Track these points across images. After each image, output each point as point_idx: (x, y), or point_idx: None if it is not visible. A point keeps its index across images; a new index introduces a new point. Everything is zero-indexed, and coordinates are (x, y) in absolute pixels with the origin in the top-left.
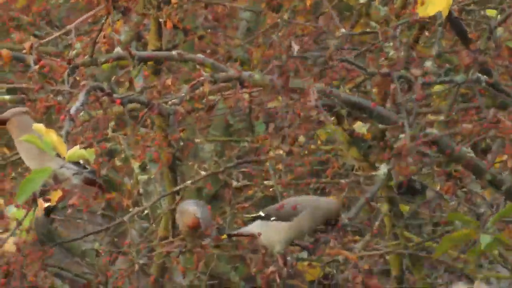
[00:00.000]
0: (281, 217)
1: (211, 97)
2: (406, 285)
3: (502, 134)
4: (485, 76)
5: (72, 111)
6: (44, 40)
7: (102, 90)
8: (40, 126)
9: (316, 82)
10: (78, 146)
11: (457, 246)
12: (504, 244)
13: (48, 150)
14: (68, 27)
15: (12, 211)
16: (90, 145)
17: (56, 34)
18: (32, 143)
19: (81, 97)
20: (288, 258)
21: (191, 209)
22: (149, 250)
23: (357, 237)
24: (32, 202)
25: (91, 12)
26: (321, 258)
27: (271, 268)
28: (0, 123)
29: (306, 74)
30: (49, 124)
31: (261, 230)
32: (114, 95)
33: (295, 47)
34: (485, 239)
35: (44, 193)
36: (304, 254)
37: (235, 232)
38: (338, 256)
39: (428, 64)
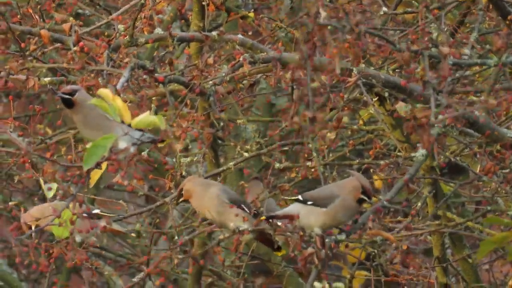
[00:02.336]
0: (318, 203)
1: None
2: (447, 265)
3: None
4: None
5: (119, 86)
6: (88, 29)
7: (144, 68)
8: (106, 91)
9: (342, 54)
10: (148, 113)
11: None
12: None
13: (114, 115)
14: (110, 17)
15: (52, 186)
16: None
17: (100, 23)
18: (100, 107)
19: (125, 73)
20: (327, 240)
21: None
22: (190, 231)
23: (399, 218)
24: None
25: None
26: (360, 240)
27: (309, 250)
28: (67, 104)
29: (333, 44)
30: None
31: (299, 212)
32: (156, 74)
33: (323, 14)
34: None
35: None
36: (343, 236)
37: (274, 214)
38: (377, 237)
39: (466, 51)
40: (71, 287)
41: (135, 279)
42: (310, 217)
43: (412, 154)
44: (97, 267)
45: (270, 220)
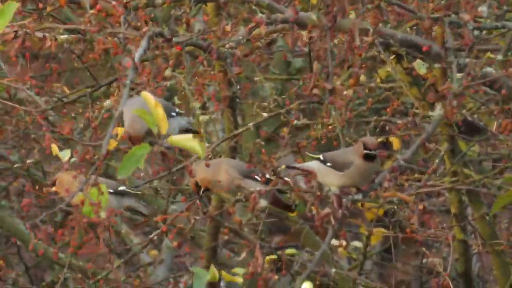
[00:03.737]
0: (335, 166)
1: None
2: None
3: None
4: None
5: (137, 57)
6: None
7: (162, 35)
8: (149, 96)
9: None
10: (190, 136)
11: None
12: None
13: (152, 126)
14: None
15: (65, 155)
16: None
17: None
18: (143, 118)
19: (143, 43)
20: (343, 199)
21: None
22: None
23: (416, 175)
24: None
25: None
26: (376, 200)
27: (326, 210)
28: None
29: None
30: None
31: (319, 170)
32: (174, 40)
33: None
34: None
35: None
36: (359, 196)
37: (294, 165)
38: (393, 198)
39: (483, 9)
40: (87, 245)
41: (152, 235)
42: (328, 177)
43: (430, 113)
44: (113, 225)
45: (287, 180)
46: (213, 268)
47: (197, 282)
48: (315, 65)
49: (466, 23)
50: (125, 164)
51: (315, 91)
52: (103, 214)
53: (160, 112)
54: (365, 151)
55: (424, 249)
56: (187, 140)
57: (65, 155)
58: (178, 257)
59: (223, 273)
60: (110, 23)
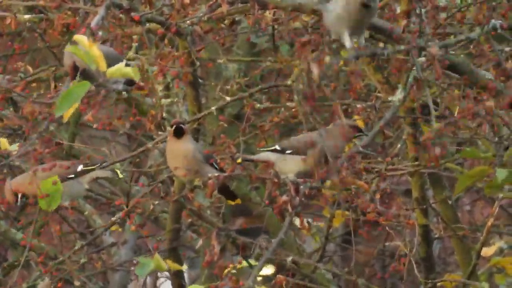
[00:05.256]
0: (297, 151)
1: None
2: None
3: None
4: (500, 21)
5: (93, 24)
6: None
7: (121, 7)
8: (82, 38)
9: None
10: (123, 63)
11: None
12: None
13: (90, 63)
14: None
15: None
16: None
17: None
18: (76, 54)
19: (101, 11)
20: (301, 187)
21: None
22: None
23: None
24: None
25: None
26: (334, 187)
27: (284, 198)
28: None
29: None
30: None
31: (276, 160)
32: (132, 13)
33: None
34: (501, 174)
35: None
36: (317, 183)
37: (250, 157)
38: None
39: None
40: (51, 225)
41: (114, 218)
42: (286, 164)
43: (389, 98)
44: (75, 206)
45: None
46: (157, 257)
47: (139, 270)
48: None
49: (434, 56)
50: (62, 102)
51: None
52: (66, 203)
53: (95, 51)
54: (358, 133)
55: (388, 229)
56: (121, 68)
57: (14, 148)
58: (141, 238)
59: (169, 262)
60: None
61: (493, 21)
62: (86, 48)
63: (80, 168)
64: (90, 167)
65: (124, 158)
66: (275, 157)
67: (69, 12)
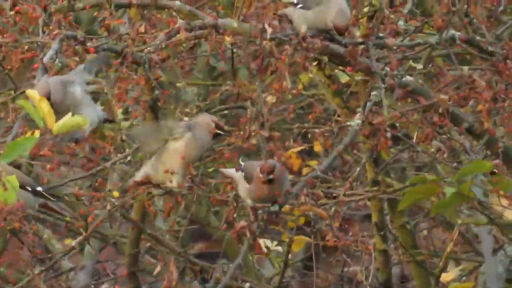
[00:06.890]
0: (246, 176)
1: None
2: (386, 231)
3: (476, 96)
4: (459, 33)
5: (45, 59)
6: None
7: (75, 39)
8: (33, 92)
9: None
10: (69, 115)
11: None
12: (466, 197)
13: (37, 119)
14: None
15: None
16: None
17: None
18: (25, 108)
19: (54, 45)
20: (259, 211)
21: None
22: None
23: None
24: None
25: None
26: (292, 213)
27: (242, 223)
28: None
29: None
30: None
31: (237, 179)
32: (88, 44)
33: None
34: (449, 191)
35: None
36: (276, 207)
37: (221, 170)
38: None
39: (401, 23)
40: (10, 251)
41: (73, 243)
42: (240, 187)
43: (348, 123)
44: (35, 231)
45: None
46: None
47: None
48: (250, 110)
49: (390, 48)
50: (10, 150)
51: (252, 141)
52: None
53: (44, 106)
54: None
55: (345, 257)
56: (69, 120)
57: None
58: (100, 263)
59: None
60: (27, 29)
61: (452, 31)
62: (35, 103)
63: (39, 188)
64: (50, 187)
65: (81, 177)
66: (237, 176)
67: (26, 47)
